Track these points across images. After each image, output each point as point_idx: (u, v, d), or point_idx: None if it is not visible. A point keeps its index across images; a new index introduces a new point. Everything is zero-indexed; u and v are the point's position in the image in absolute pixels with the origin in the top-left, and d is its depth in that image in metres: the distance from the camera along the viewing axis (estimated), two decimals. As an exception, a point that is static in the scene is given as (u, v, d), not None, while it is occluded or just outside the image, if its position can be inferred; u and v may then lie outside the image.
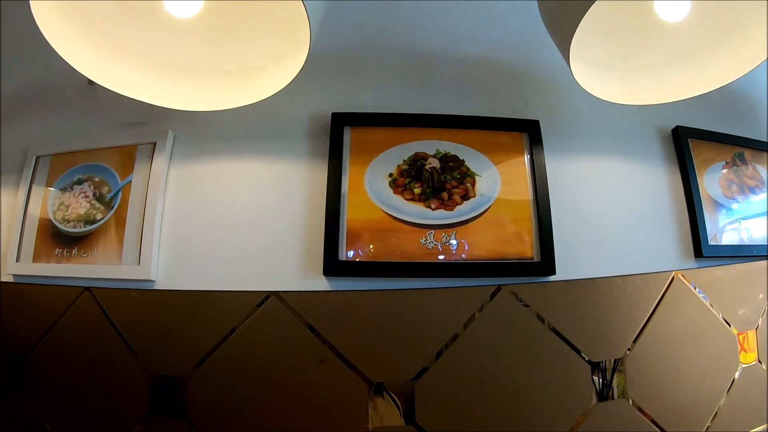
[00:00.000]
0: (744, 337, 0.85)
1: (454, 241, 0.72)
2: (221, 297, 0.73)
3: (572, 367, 0.71)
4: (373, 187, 0.73)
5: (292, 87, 0.60)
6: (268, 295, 0.71)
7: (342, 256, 0.70)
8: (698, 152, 0.97)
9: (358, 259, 0.70)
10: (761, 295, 0.88)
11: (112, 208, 0.84)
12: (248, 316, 0.70)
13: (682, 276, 0.83)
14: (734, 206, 0.97)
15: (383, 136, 0.76)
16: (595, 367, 0.72)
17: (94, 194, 0.86)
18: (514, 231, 0.74)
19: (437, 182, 0.74)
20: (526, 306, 0.71)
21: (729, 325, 0.83)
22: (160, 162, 0.83)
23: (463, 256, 0.72)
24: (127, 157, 0.86)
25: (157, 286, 0.77)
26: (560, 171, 0.82)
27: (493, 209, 0.74)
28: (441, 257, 0.71)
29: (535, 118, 0.82)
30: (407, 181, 0.74)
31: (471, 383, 0.68)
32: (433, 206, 0.73)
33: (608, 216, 0.83)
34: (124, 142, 0.87)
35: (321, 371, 0.68)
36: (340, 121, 0.76)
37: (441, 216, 0.73)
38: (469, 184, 0.75)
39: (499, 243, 0.73)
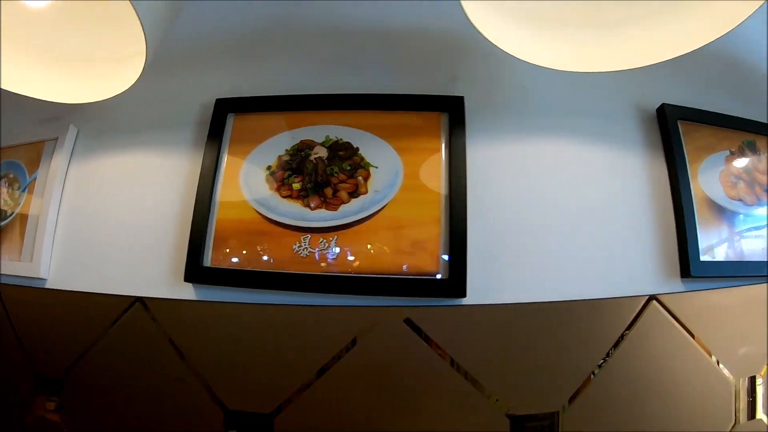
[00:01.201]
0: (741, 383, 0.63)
1: (334, 249, 0.59)
2: (95, 300, 0.67)
3: (488, 424, 0.56)
4: (248, 182, 0.63)
5: (186, 72, 0.51)
6: (135, 300, 0.63)
7: (206, 262, 0.61)
8: (692, 138, 0.75)
9: (222, 266, 0.60)
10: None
11: (19, 204, 0.83)
12: (114, 321, 0.63)
13: (659, 302, 0.63)
14: (741, 210, 0.74)
15: (271, 123, 0.66)
16: (519, 427, 0.56)
17: (7, 190, 0.85)
18: (415, 238, 0.59)
19: (321, 176, 0.62)
20: (425, 337, 0.56)
21: (722, 367, 0.62)
22: (58, 158, 0.79)
23: (346, 267, 0.59)
24: (35, 154, 0.84)
25: (48, 285, 0.73)
26: (489, 161, 0.65)
27: (389, 209, 0.60)
28: (321, 267, 0.59)
29: (460, 95, 0.66)
30: (287, 174, 0.63)
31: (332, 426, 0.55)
32: (312, 205, 0.61)
33: (555, 222, 0.65)
34: (34, 138, 0.86)
35: (178, 390, 0.59)
36: (223, 108, 0.67)
37: (321, 217, 0.60)
38: (360, 178, 0.62)
39: (393, 253, 0.59)
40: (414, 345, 0.56)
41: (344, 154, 0.63)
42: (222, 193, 0.63)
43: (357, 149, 0.63)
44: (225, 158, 0.64)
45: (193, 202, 0.63)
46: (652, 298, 0.63)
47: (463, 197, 0.60)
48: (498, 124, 0.67)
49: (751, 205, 0.76)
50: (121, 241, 0.70)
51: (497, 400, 0.56)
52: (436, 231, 0.59)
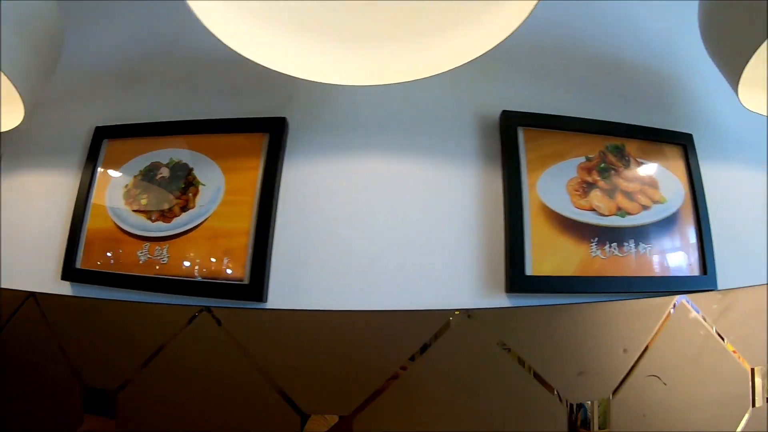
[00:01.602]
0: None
1: (165, 255, 0.69)
2: None
3: (279, 422, 0.62)
4: (111, 197, 0.75)
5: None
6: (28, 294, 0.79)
7: (78, 264, 0.74)
8: (537, 146, 0.73)
9: (86, 267, 0.74)
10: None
11: None
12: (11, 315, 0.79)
13: (470, 315, 0.64)
14: (592, 221, 0.70)
15: (137, 147, 0.77)
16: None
17: None
18: (228, 247, 0.67)
19: (161, 193, 0.72)
20: (235, 339, 0.64)
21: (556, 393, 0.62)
22: None
23: (174, 271, 0.69)
24: None
25: None
26: (305, 177, 0.70)
27: (210, 221, 0.69)
28: (155, 270, 0.69)
29: (282, 116, 0.72)
30: (138, 192, 0.74)
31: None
32: (153, 218, 0.71)
33: (370, 235, 0.68)
34: None
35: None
36: (100, 134, 0.80)
37: (158, 228, 0.71)
38: (191, 194, 0.71)
39: (208, 260, 0.68)
40: (221, 341, 0.65)
41: (181, 174, 0.73)
42: (93, 206, 0.76)
43: (191, 169, 0.72)
44: (97, 177, 0.77)
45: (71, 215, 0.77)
46: (463, 313, 0.64)
47: (269, 211, 0.67)
48: (320, 142, 0.72)
49: (607, 216, 0.72)
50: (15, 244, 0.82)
51: (288, 399, 0.62)
52: (244, 241, 0.67)
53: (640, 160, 0.78)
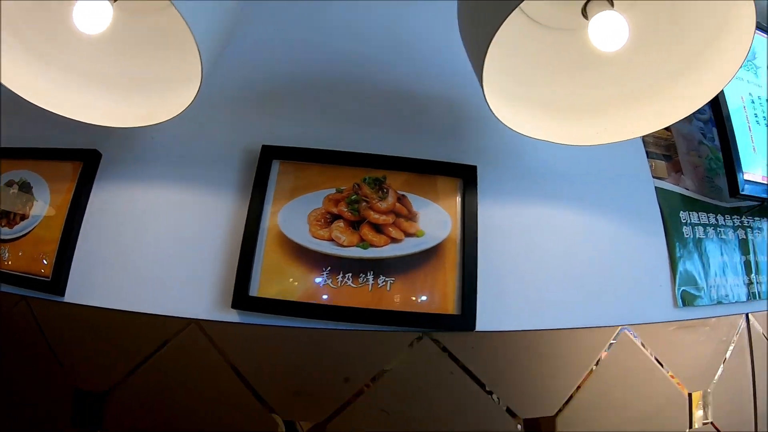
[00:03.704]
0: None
1: (5, 253, 0.88)
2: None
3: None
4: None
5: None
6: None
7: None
8: (289, 177, 0.79)
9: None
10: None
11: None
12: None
13: (202, 327, 0.71)
14: (326, 250, 0.73)
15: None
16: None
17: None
18: (44, 251, 0.84)
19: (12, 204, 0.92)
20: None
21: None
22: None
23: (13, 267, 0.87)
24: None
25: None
26: (107, 199, 0.81)
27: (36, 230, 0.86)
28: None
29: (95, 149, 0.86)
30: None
31: None
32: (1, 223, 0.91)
33: (148, 243, 0.78)
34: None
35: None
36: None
37: (4, 232, 0.90)
38: (28, 207, 0.89)
39: (30, 259, 0.85)
40: None
41: (24, 191, 0.91)
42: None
43: (31, 188, 0.91)
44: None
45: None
46: (193, 321, 0.72)
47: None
48: (124, 172, 0.84)
49: (349, 246, 0.74)
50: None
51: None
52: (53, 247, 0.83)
53: (402, 192, 0.78)
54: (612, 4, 0.65)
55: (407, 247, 0.75)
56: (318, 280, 0.73)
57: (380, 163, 0.78)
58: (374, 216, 0.76)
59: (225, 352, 0.71)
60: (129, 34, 0.72)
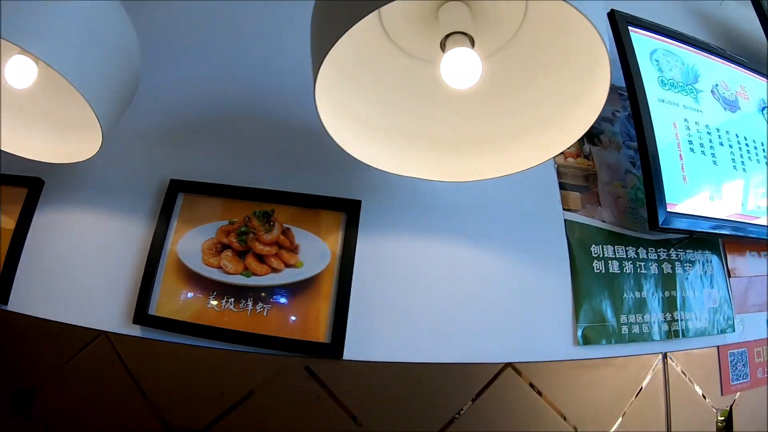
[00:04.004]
0: None
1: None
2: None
3: None
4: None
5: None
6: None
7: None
8: (191, 209, 0.88)
9: None
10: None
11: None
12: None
13: (110, 338, 0.82)
14: (215, 277, 0.81)
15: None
16: None
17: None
18: None
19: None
20: None
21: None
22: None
23: None
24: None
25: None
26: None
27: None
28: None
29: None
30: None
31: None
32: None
33: (79, 261, 0.91)
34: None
35: None
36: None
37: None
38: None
39: None
40: None
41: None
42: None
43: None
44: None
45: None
46: (103, 333, 0.84)
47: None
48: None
49: (234, 274, 0.82)
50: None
51: None
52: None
53: (288, 225, 0.84)
54: (473, 43, 0.66)
55: (285, 277, 0.81)
56: (205, 303, 0.81)
57: (269, 197, 0.85)
58: (259, 247, 0.83)
59: (126, 362, 0.82)
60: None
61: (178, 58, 1.04)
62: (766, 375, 1.12)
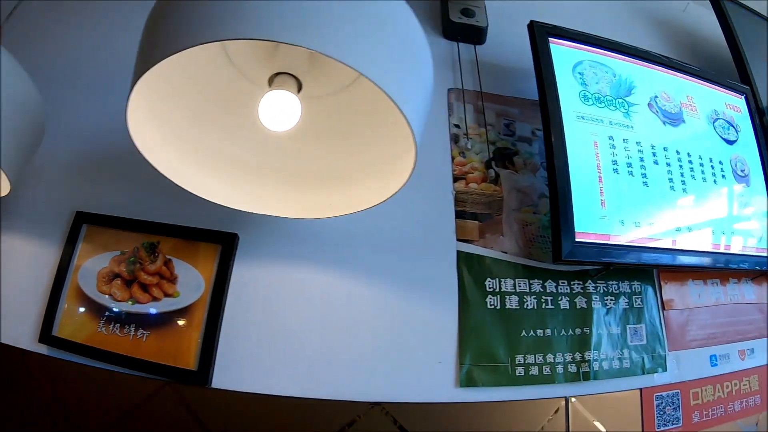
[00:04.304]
0: None
1: None
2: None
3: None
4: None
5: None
6: None
7: None
8: (93, 239, 0.95)
9: None
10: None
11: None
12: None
13: (26, 355, 0.93)
14: (106, 303, 0.88)
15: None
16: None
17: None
18: None
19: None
20: None
21: None
22: None
23: None
24: None
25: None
26: None
27: None
28: None
29: None
30: None
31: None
32: None
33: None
34: None
35: None
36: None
37: None
38: None
39: None
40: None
41: None
42: None
43: None
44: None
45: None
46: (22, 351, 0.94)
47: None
48: None
49: (121, 301, 0.89)
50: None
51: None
52: None
53: (170, 257, 0.89)
54: (299, 86, 0.66)
55: (163, 305, 0.87)
56: (97, 327, 0.89)
57: (156, 229, 0.91)
58: (144, 276, 0.89)
59: (36, 378, 0.91)
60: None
61: (84, 96, 1.10)
62: (704, 419, 1.02)
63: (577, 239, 0.91)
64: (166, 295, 0.87)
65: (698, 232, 1.08)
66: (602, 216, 0.97)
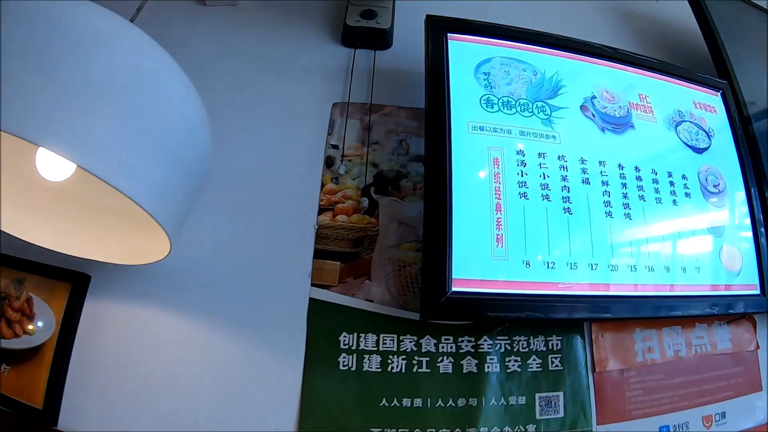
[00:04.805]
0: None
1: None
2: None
3: None
4: None
5: None
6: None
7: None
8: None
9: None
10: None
11: None
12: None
13: None
14: None
15: None
16: None
17: None
18: None
19: None
20: None
21: None
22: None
23: None
24: None
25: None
26: None
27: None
28: None
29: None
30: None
31: None
32: None
33: None
34: None
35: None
36: None
37: None
38: None
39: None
40: None
41: None
42: None
43: None
44: None
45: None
46: None
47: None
48: None
49: None
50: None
51: None
52: None
53: (31, 294, 0.89)
54: None
55: (21, 342, 0.88)
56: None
57: (22, 266, 0.91)
58: (10, 313, 0.90)
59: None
60: None
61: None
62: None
63: (454, 288, 0.75)
64: (25, 332, 0.88)
65: (647, 271, 0.86)
66: (496, 257, 0.79)
